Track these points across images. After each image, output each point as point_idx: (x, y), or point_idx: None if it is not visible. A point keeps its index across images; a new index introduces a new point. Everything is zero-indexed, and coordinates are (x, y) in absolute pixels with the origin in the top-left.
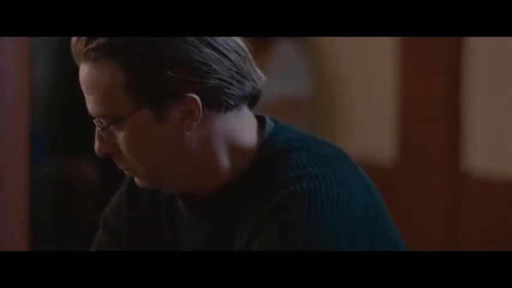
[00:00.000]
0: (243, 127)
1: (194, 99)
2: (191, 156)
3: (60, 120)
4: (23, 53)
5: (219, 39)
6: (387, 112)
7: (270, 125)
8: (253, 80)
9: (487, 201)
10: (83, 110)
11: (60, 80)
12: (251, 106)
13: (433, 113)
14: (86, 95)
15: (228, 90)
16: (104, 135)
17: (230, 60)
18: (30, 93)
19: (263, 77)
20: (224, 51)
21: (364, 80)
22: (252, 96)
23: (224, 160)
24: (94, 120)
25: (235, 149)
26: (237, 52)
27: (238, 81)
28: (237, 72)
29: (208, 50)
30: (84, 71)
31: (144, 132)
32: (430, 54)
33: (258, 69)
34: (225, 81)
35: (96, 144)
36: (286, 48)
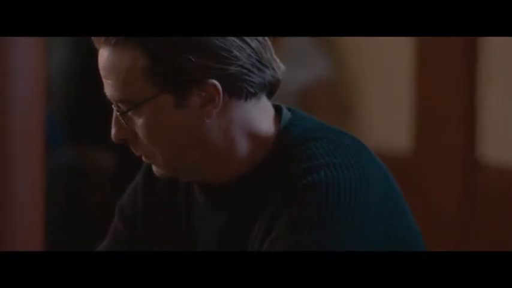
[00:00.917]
0: (261, 116)
1: (215, 85)
2: (210, 144)
3: (76, 109)
4: (40, 41)
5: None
6: (404, 102)
7: (286, 114)
8: (273, 69)
9: (502, 191)
10: (99, 100)
11: (76, 69)
12: (269, 95)
13: (449, 104)
14: (104, 80)
15: (249, 78)
16: (123, 121)
17: (251, 47)
18: (46, 82)
19: (282, 66)
20: (246, 38)
21: (381, 71)
22: (271, 85)
23: (242, 149)
24: (112, 105)
25: (253, 139)
26: (257, 40)
27: (259, 69)
28: (257, 59)
29: (230, 36)
30: (104, 55)
31: (163, 118)
32: (447, 49)
33: (277, 58)
34: (246, 68)
35: (113, 130)
36: (302, 39)
